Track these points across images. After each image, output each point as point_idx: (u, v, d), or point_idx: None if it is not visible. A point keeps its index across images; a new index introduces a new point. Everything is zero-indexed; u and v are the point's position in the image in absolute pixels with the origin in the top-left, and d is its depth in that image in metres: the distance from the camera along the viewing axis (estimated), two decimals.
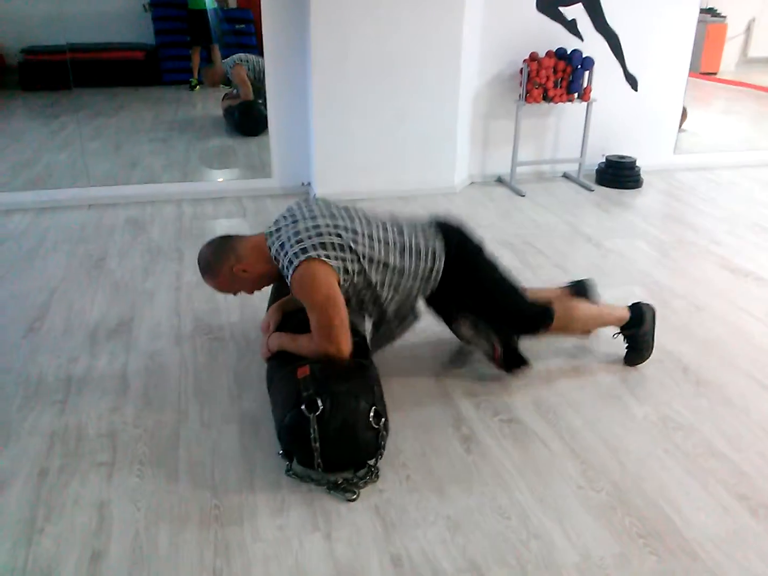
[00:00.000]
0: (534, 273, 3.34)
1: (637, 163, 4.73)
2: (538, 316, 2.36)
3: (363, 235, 2.14)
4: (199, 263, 2.24)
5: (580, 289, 2.59)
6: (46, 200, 4.20)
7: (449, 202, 4.37)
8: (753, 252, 3.67)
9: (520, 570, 1.68)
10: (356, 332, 2.26)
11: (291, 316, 2.30)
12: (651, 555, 1.73)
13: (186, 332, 2.77)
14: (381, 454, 1.99)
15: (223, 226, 3.94)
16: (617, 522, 1.84)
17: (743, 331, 2.84)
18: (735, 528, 1.82)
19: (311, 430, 1.87)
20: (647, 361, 2.56)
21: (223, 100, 5.18)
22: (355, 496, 1.91)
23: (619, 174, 4.71)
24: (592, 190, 4.64)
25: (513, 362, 2.44)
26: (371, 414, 1.92)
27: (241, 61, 4.98)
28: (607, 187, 4.71)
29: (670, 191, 4.70)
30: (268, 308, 2.50)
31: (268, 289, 2.48)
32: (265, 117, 4.36)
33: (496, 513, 1.86)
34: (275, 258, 2.11)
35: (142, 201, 4.30)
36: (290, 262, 2.03)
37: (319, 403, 1.87)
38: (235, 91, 5.11)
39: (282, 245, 2.08)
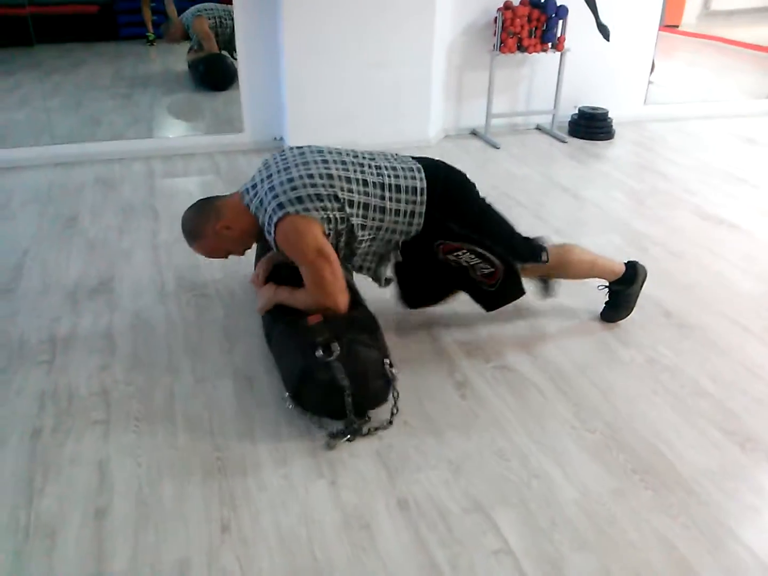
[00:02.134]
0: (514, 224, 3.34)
1: (609, 115, 4.75)
2: (534, 245, 2.34)
3: (339, 178, 2.07)
4: (183, 230, 2.21)
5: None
6: (8, 159, 4.04)
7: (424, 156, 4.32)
8: (724, 200, 3.73)
9: (524, 508, 1.72)
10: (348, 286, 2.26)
11: (281, 267, 2.27)
12: (647, 490, 1.79)
13: (169, 290, 2.72)
14: (397, 408, 2.01)
15: (197, 184, 3.84)
16: (612, 460, 1.89)
17: (720, 275, 2.91)
18: (725, 462, 1.89)
19: (334, 373, 1.87)
20: None
21: (188, 52, 4.99)
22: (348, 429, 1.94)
23: (591, 125, 4.72)
24: (566, 142, 4.65)
25: (510, 290, 2.36)
26: (385, 362, 1.95)
27: (202, 11, 4.75)
28: (579, 138, 4.72)
29: (642, 142, 4.74)
30: (255, 263, 2.46)
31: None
32: (234, 70, 4.22)
33: (496, 455, 1.89)
34: (255, 215, 2.09)
35: (109, 159, 4.17)
36: (270, 218, 2.00)
37: (334, 347, 1.89)
38: (196, 46, 4.90)
39: (261, 202, 2.06)
